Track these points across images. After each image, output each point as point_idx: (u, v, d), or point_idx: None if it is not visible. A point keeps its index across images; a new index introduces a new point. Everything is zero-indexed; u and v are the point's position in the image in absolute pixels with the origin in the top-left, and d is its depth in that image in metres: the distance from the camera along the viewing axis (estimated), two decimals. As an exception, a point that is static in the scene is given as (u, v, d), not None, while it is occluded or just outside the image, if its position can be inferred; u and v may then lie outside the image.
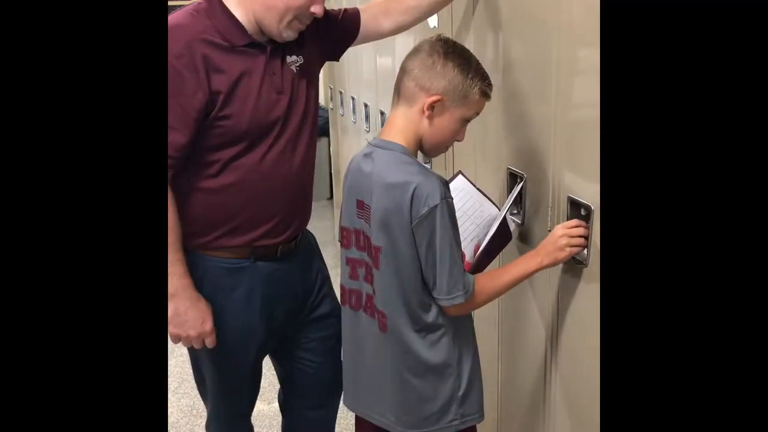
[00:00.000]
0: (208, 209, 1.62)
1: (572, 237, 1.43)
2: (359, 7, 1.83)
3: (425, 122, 1.43)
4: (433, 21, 2.17)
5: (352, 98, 3.62)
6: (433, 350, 1.48)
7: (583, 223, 1.43)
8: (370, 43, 1.93)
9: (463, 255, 1.48)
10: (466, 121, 1.47)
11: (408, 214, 1.38)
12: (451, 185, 1.58)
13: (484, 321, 1.94)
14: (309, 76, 1.69)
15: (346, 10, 1.82)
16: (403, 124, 1.45)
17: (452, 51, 1.42)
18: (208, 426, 1.94)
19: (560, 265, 1.52)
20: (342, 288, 1.60)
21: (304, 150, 1.67)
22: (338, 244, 1.64)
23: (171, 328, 1.59)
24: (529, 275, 1.49)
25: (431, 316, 1.46)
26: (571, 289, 1.52)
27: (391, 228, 1.41)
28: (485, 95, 1.46)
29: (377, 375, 1.56)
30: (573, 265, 1.49)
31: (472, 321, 1.57)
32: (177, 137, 1.50)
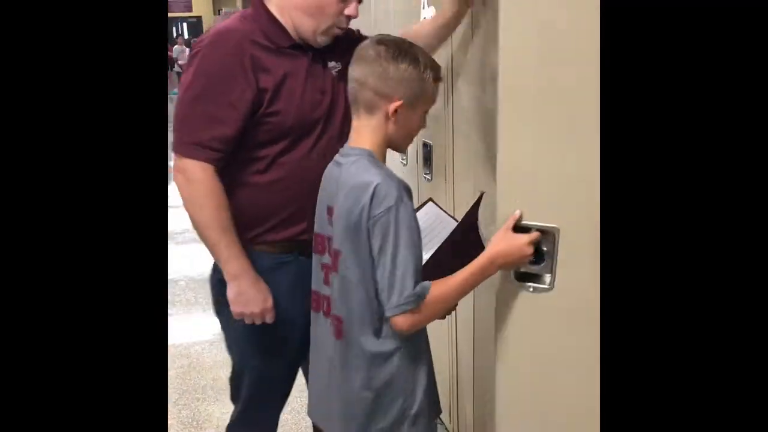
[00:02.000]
0: (256, 205, 1.71)
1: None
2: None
3: (391, 126, 1.44)
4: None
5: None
6: (386, 363, 1.44)
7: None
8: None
9: None
10: (426, 112, 1.49)
11: (367, 214, 1.36)
12: (419, 212, 1.55)
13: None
14: (347, 81, 1.72)
15: None
16: (369, 132, 1.45)
17: (399, 51, 1.41)
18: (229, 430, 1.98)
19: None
20: (315, 293, 1.58)
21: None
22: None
23: (235, 308, 1.70)
24: (484, 279, 1.42)
25: (387, 328, 1.41)
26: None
27: (352, 231, 1.39)
28: (438, 80, 1.47)
29: (328, 383, 1.53)
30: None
31: (426, 336, 1.53)
32: (225, 130, 1.61)
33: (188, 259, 4.84)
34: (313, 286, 1.58)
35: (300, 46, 1.69)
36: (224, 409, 2.93)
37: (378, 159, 1.45)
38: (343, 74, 1.68)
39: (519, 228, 1.40)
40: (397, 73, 1.40)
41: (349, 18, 1.68)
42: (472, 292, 2.07)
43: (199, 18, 22.25)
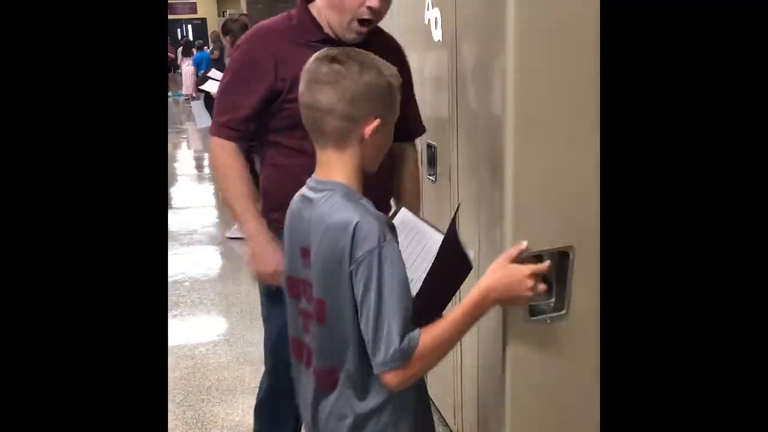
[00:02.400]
0: (279, 187, 1.74)
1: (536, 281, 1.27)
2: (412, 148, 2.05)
3: (365, 150, 1.28)
4: (437, 35, 2.18)
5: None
6: (373, 421, 1.30)
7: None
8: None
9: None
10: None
11: (348, 258, 1.21)
12: (393, 221, 1.44)
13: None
14: None
15: (417, 121, 2.05)
16: (339, 162, 1.28)
17: (359, 66, 1.24)
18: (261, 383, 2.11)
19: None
20: (294, 341, 1.44)
21: None
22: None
23: (250, 266, 1.83)
24: (480, 316, 1.28)
25: (375, 382, 1.27)
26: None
27: (335, 277, 1.23)
28: (400, 85, 1.32)
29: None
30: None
31: (422, 382, 1.40)
32: (240, 113, 1.78)
33: (193, 260, 4.87)
34: (291, 333, 1.45)
35: (332, 42, 1.74)
36: (229, 410, 2.94)
37: (355, 191, 1.29)
38: None
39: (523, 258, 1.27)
40: (360, 89, 1.23)
41: (371, 10, 1.70)
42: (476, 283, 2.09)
43: (203, 20, 22.28)
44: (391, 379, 1.22)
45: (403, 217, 1.53)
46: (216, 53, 8.57)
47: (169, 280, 4.43)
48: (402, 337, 1.18)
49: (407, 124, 1.92)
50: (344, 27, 1.73)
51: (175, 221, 5.88)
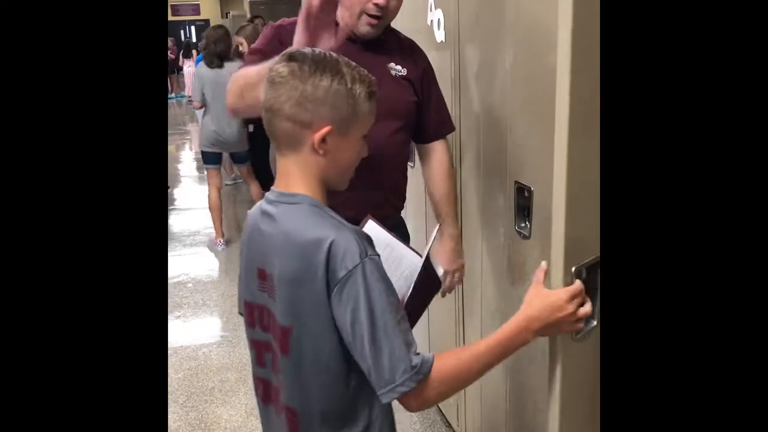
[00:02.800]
0: None
1: (579, 307, 1.16)
2: (442, 145, 1.96)
3: (321, 160, 1.15)
4: (440, 36, 2.19)
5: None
6: None
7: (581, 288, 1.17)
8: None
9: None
10: (366, 136, 1.21)
11: (323, 281, 1.08)
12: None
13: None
14: (404, 85, 1.83)
15: (444, 118, 1.96)
16: (299, 171, 1.16)
17: (315, 67, 1.12)
18: None
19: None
20: (254, 376, 1.32)
21: (383, 142, 1.72)
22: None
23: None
24: (516, 347, 1.15)
25: (354, 417, 1.18)
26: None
27: (303, 302, 1.12)
28: (373, 96, 1.17)
29: None
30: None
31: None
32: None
33: (195, 262, 4.87)
34: (252, 368, 1.31)
35: (349, 38, 1.74)
36: (232, 411, 2.94)
37: (320, 203, 1.17)
38: (404, 80, 1.82)
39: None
40: (316, 92, 1.11)
41: (377, 6, 1.71)
42: (479, 289, 2.10)
43: (206, 21, 22.31)
44: (410, 401, 1.09)
45: (371, 229, 1.44)
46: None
47: (172, 281, 4.44)
48: (409, 354, 1.07)
49: (431, 122, 1.91)
50: (355, 21, 1.74)
51: (177, 222, 5.89)
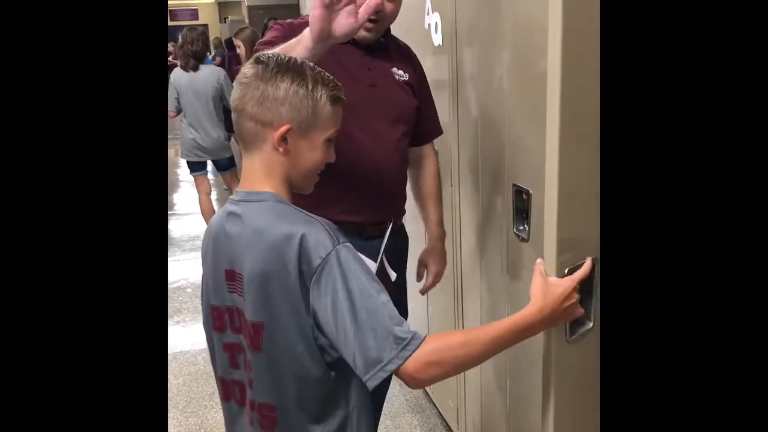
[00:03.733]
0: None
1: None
2: (430, 149, 2.01)
3: (284, 159, 1.18)
4: (437, 39, 2.19)
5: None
6: None
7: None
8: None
9: None
10: (331, 141, 1.23)
11: (297, 274, 1.10)
12: None
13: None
14: (407, 90, 1.85)
15: (434, 123, 1.99)
16: (263, 169, 1.19)
17: (277, 69, 1.16)
18: None
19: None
20: (222, 381, 1.31)
21: (392, 146, 1.78)
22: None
23: None
24: (524, 338, 1.16)
25: (333, 407, 1.19)
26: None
27: (275, 297, 1.13)
28: (337, 101, 1.21)
29: None
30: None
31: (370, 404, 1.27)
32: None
33: (195, 267, 4.86)
34: (219, 372, 1.31)
35: (354, 42, 1.74)
36: (232, 416, 2.94)
37: (286, 200, 1.20)
38: (407, 84, 1.84)
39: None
40: (276, 92, 1.14)
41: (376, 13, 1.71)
42: (477, 291, 2.10)
43: (205, 26, 22.35)
44: (404, 377, 1.07)
45: None
46: (218, 60, 8.58)
47: (172, 286, 4.44)
48: (396, 329, 1.05)
49: (426, 126, 1.94)
50: None
51: (177, 227, 5.89)
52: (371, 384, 1.07)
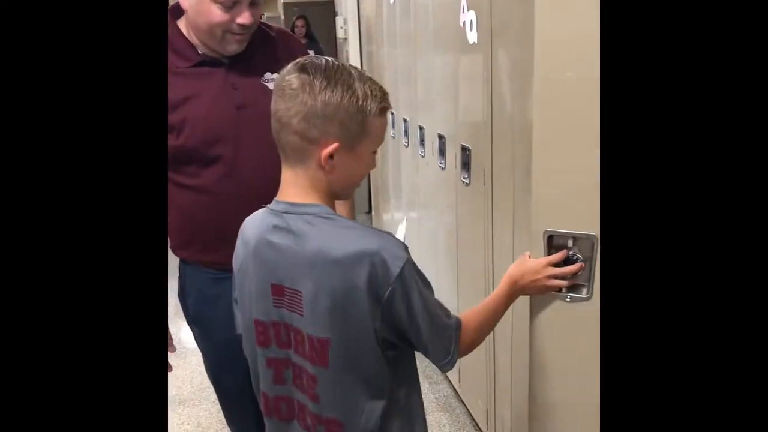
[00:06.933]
0: (182, 225, 1.69)
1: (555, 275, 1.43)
2: None
3: (328, 175, 1.14)
4: (472, 37, 2.18)
5: (392, 113, 3.65)
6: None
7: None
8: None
9: None
10: (375, 151, 1.20)
11: (368, 290, 1.10)
12: None
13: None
14: None
15: None
16: (309, 183, 1.15)
17: (326, 83, 1.09)
18: None
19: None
20: (264, 396, 1.28)
21: (265, 170, 1.46)
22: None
23: None
24: (508, 304, 1.39)
25: (389, 417, 1.21)
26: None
27: (343, 313, 1.12)
28: (385, 111, 1.16)
29: None
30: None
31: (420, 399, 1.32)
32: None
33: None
34: (266, 388, 1.27)
35: (213, 61, 1.63)
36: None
37: (333, 213, 1.17)
38: None
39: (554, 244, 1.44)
40: (326, 108, 1.09)
41: (242, 26, 1.57)
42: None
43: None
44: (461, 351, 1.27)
45: None
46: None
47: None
48: (452, 331, 1.23)
49: None
50: (219, 42, 1.60)
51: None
52: (445, 369, 1.27)
